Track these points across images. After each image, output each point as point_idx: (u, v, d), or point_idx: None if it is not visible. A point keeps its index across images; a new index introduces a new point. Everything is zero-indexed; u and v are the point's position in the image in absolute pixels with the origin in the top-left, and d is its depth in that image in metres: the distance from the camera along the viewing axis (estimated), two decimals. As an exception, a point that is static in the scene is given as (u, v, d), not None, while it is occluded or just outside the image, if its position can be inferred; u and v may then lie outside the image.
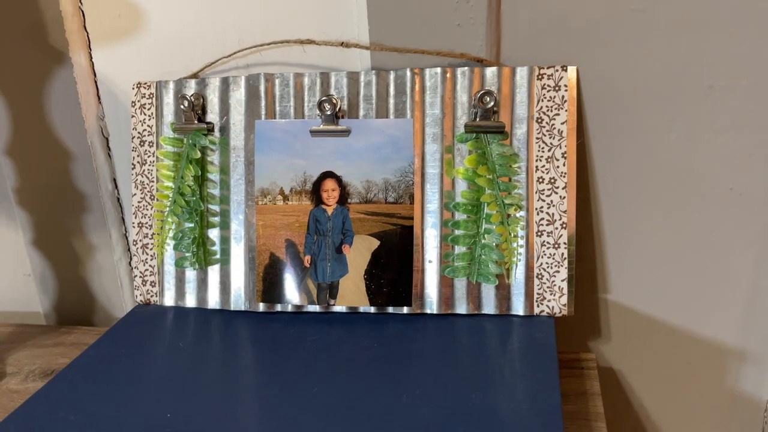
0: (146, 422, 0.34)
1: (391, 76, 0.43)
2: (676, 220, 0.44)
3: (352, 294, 0.43)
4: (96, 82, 0.49)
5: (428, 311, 0.43)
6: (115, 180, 0.52)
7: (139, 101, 0.47)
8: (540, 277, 0.42)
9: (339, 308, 0.44)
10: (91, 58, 0.49)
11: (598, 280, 0.47)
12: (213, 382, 0.38)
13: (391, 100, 0.43)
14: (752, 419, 0.48)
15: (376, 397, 0.36)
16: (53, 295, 0.56)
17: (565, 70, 0.41)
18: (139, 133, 0.47)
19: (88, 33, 0.48)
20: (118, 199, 0.52)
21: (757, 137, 0.41)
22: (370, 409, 0.35)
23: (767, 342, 0.46)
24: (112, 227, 0.53)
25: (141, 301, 0.48)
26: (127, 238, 0.53)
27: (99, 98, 0.50)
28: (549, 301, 0.42)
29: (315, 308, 0.44)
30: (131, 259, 0.54)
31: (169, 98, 0.46)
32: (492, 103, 0.41)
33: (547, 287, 0.42)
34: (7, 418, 0.35)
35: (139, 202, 0.47)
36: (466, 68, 0.42)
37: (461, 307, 0.43)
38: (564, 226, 0.42)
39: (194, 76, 0.47)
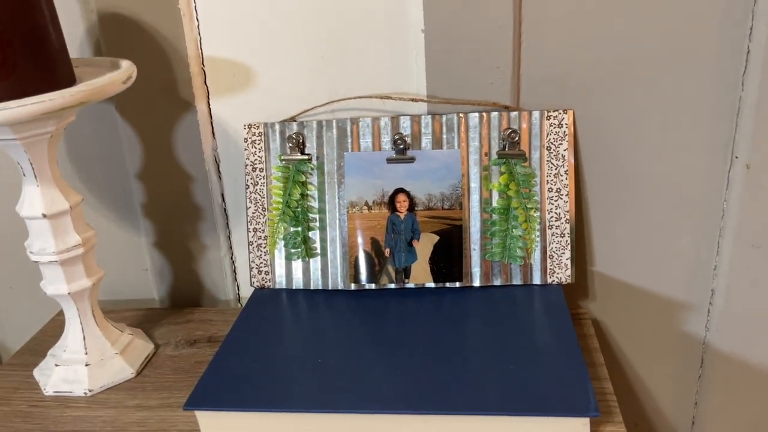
0: (307, 364, 0.52)
1: (443, 119, 0.60)
2: (641, 214, 0.63)
3: (420, 274, 0.61)
4: (212, 123, 0.65)
5: (474, 284, 0.61)
6: (223, 195, 0.68)
7: (250, 138, 0.63)
8: (551, 257, 0.61)
9: (411, 285, 0.61)
10: (209, 105, 0.64)
11: (587, 256, 0.66)
12: (335, 336, 0.55)
13: (444, 136, 0.60)
14: (694, 351, 0.68)
15: (445, 344, 0.53)
16: (168, 284, 0.72)
17: (566, 113, 0.59)
18: (251, 162, 0.63)
19: (208, 87, 0.63)
20: (225, 209, 0.68)
21: (695, 157, 0.60)
22: (442, 351, 0.52)
23: (704, 297, 0.66)
24: (220, 231, 0.69)
25: (257, 286, 0.64)
26: (230, 239, 0.69)
27: (214, 135, 0.65)
28: (558, 273, 0.61)
29: (393, 286, 0.62)
30: (232, 255, 0.70)
31: (275, 136, 0.62)
32: (516, 138, 0.59)
33: (556, 264, 0.61)
34: (210, 368, 0.52)
35: (252, 213, 0.63)
36: (496, 112, 0.60)
37: (497, 280, 0.61)
38: (567, 221, 0.60)
39: (292, 119, 0.63)
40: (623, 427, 0.49)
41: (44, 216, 0.53)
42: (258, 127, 0.63)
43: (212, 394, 0.49)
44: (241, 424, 0.49)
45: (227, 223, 0.69)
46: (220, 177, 0.67)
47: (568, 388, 0.47)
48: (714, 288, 0.65)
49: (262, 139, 0.63)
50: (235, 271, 0.71)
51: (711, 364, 0.67)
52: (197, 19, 0.61)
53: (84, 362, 0.57)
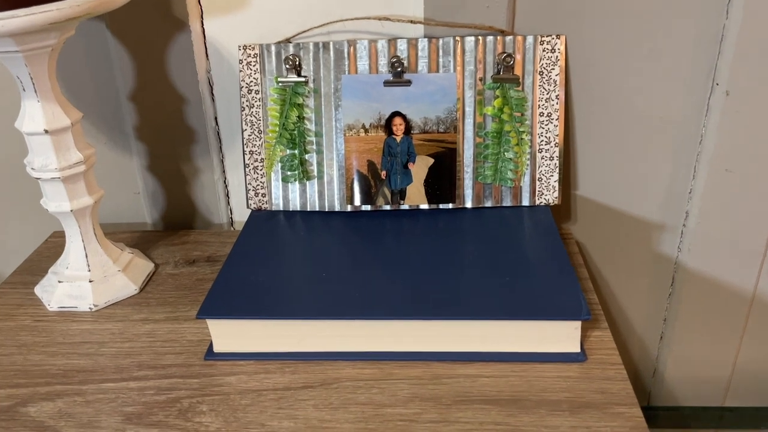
0: (312, 277, 0.54)
1: (440, 42, 0.61)
2: (623, 139, 0.66)
3: (415, 196, 0.63)
4: (205, 44, 0.65)
5: (467, 205, 0.64)
6: (216, 118, 0.68)
7: (245, 59, 0.63)
8: (540, 180, 0.63)
9: (405, 207, 0.64)
10: (203, 25, 0.64)
11: (571, 181, 0.69)
12: (335, 252, 0.58)
13: (440, 60, 0.62)
14: (667, 270, 0.73)
15: (442, 259, 0.56)
16: (161, 208, 0.72)
17: (558, 38, 0.61)
18: (246, 84, 0.63)
19: (201, 6, 0.63)
20: (218, 132, 0.69)
21: (678, 83, 0.63)
22: (439, 265, 0.55)
23: (678, 219, 0.70)
24: (214, 154, 0.69)
25: (254, 208, 0.65)
26: (223, 163, 0.70)
27: (207, 56, 0.65)
28: (545, 195, 0.64)
29: (388, 207, 0.64)
30: (225, 178, 0.71)
31: (271, 57, 0.63)
32: (511, 62, 0.61)
33: (545, 186, 0.63)
34: (218, 280, 0.53)
35: (248, 136, 0.64)
36: (491, 37, 0.61)
37: (488, 202, 0.64)
38: (556, 145, 0.63)
39: (288, 40, 0.63)
40: (609, 332, 0.53)
41: (46, 132, 0.52)
42: (253, 48, 0.63)
43: (223, 303, 0.51)
44: (251, 332, 0.51)
45: (220, 147, 0.69)
46: (213, 99, 0.67)
47: (560, 296, 0.50)
48: (688, 210, 0.69)
49: (258, 61, 0.63)
50: (228, 194, 0.72)
51: (681, 283, 0.72)
52: (192, -65, 0.60)
53: (87, 278, 0.58)
